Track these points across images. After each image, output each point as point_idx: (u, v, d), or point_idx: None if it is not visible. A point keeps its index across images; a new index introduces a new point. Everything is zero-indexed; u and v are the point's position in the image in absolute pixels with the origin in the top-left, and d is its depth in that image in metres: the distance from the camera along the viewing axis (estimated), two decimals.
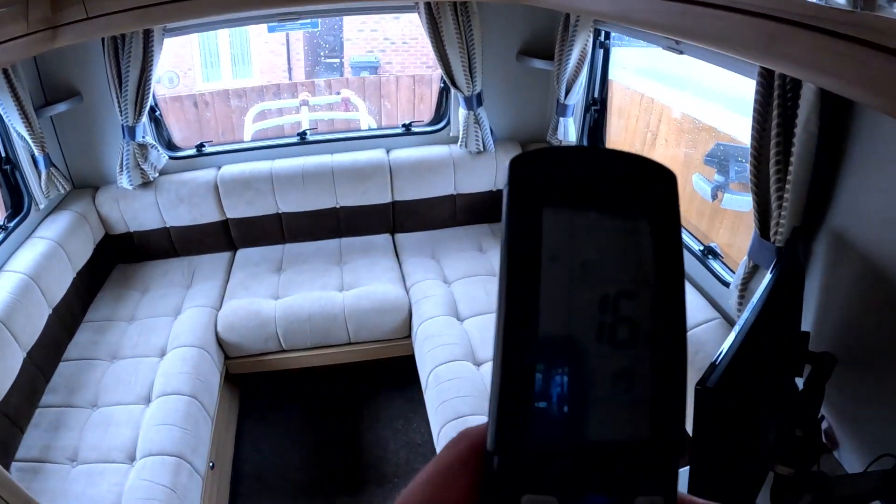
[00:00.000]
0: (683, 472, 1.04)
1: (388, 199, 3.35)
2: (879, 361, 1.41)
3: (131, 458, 2.17)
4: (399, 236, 3.45)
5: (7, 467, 2.08)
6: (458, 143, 3.33)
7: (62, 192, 2.96)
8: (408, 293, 2.97)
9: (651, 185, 0.25)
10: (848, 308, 1.49)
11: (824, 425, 1.59)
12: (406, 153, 3.34)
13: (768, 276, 1.34)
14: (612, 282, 0.24)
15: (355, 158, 3.28)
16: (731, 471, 1.18)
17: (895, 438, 1.36)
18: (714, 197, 2.59)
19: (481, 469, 0.24)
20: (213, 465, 2.41)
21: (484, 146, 3.30)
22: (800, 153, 1.46)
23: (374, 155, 3.30)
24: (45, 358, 2.48)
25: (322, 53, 7.54)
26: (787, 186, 1.51)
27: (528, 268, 0.24)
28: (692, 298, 2.25)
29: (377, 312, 2.87)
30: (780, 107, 1.50)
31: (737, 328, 1.13)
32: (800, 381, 1.50)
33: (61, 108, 2.87)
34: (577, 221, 0.24)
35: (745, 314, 1.19)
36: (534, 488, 0.23)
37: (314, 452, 2.82)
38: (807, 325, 1.58)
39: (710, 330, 2.09)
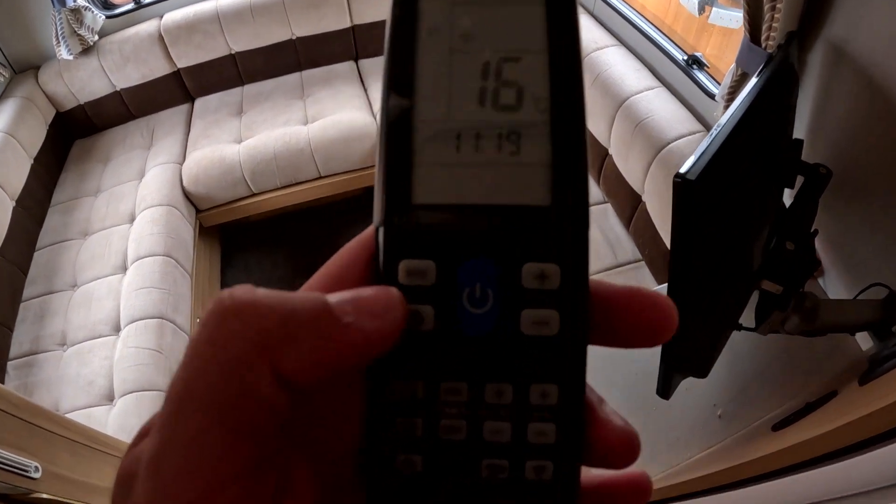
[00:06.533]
0: None
1: (348, 24, 2.99)
2: (873, 183, 1.27)
3: (117, 329, 2.14)
4: (363, 62, 3.12)
5: (3, 369, 2.10)
6: None
7: (2, 80, 2.74)
8: (375, 119, 2.68)
9: None
10: (843, 123, 1.34)
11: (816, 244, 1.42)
12: None
13: (756, 78, 1.09)
14: (494, 49, 0.22)
15: None
16: (714, 285, 0.99)
17: (886, 268, 1.24)
18: (701, 11, 2.23)
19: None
20: (200, 320, 2.38)
21: None
22: None
23: None
24: (18, 253, 2.41)
25: None
26: None
27: (407, 44, 0.22)
28: (674, 109, 2.04)
29: (344, 142, 2.63)
30: None
31: (720, 124, 0.92)
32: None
33: None
34: None
35: (730, 111, 0.95)
36: (412, 254, 0.22)
37: None
38: (798, 135, 1.44)
39: (694, 142, 1.90)
